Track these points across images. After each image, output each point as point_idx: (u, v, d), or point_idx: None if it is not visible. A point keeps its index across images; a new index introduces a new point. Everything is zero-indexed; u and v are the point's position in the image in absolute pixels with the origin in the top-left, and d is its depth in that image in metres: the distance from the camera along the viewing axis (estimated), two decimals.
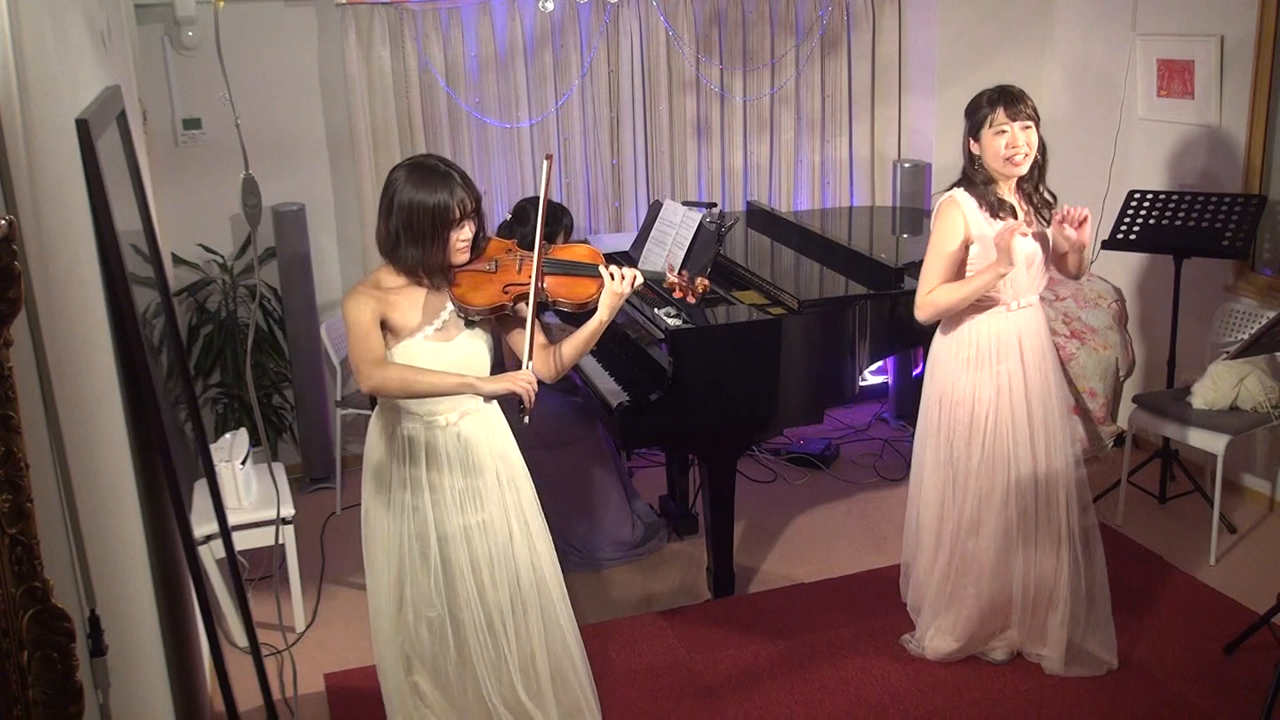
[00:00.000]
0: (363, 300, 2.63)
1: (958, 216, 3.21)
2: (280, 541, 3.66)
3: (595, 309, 2.72)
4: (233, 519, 3.33)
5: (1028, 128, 3.17)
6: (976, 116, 3.21)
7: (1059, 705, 3.31)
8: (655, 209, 4.34)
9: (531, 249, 2.71)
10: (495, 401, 2.80)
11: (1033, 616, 3.43)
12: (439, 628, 2.81)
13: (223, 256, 4.78)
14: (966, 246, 3.23)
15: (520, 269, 2.70)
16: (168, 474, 2.40)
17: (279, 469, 3.91)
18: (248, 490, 3.69)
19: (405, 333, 2.66)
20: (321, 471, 4.94)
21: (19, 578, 1.17)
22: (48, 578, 1.19)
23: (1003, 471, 3.30)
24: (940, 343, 3.38)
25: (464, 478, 2.76)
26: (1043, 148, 3.26)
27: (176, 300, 4.48)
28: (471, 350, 2.72)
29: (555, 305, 2.77)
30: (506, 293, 2.68)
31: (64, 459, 1.55)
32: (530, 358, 2.66)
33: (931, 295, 3.24)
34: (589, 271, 2.73)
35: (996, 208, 3.22)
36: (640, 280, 2.71)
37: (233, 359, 4.72)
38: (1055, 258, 3.35)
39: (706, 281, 2.77)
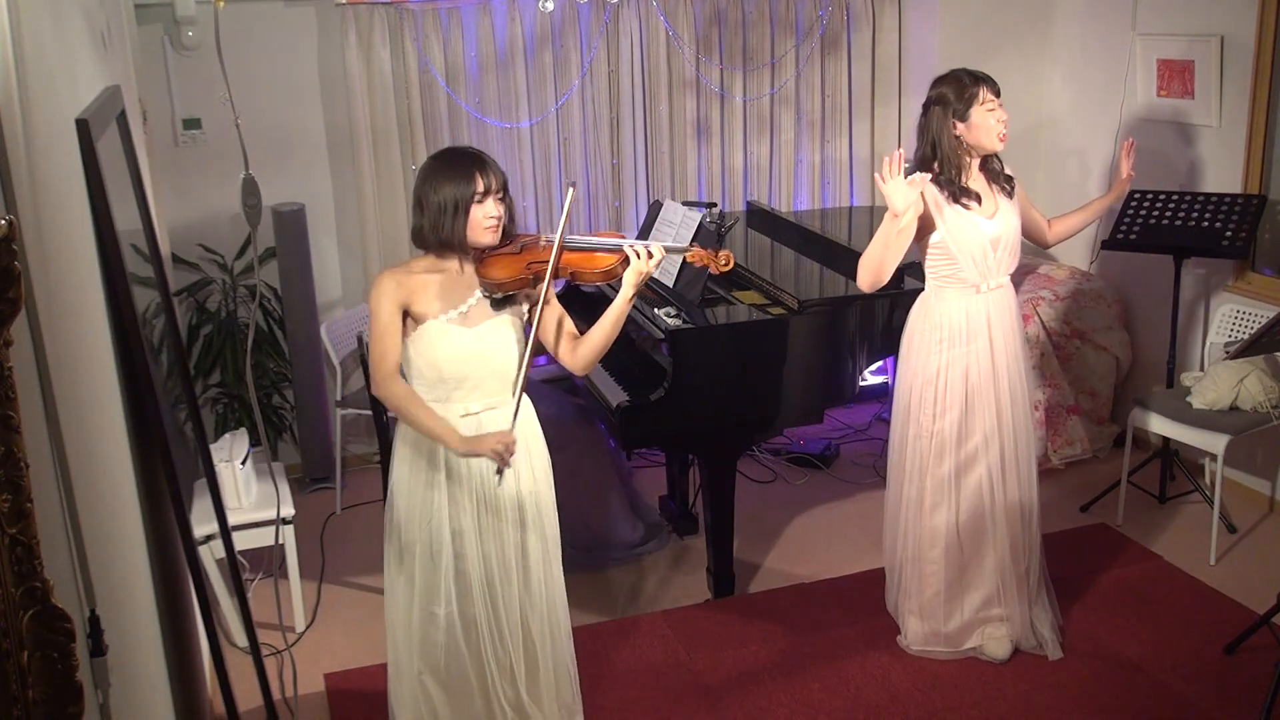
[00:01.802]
0: (387, 287, 2.67)
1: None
2: (280, 541, 3.66)
3: (616, 283, 2.74)
4: (233, 519, 3.33)
5: (1002, 104, 3.27)
6: (962, 97, 3.24)
7: (1059, 705, 3.31)
8: (655, 209, 4.34)
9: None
10: (524, 393, 2.81)
11: (1017, 593, 3.47)
12: (448, 625, 2.81)
13: (223, 256, 4.78)
14: (921, 223, 3.26)
15: (543, 248, 2.75)
16: (168, 474, 2.39)
17: (279, 469, 3.91)
18: (248, 490, 3.69)
19: (428, 315, 2.69)
20: (321, 471, 4.94)
21: (19, 578, 1.16)
22: (48, 578, 1.19)
23: (967, 447, 3.37)
24: (912, 323, 3.44)
25: (480, 472, 2.76)
26: None
27: (176, 300, 4.48)
28: (496, 339, 2.73)
29: (576, 279, 2.80)
30: (529, 269, 2.72)
31: (64, 459, 1.54)
32: (515, 419, 2.69)
33: (861, 259, 3.29)
34: (607, 246, 2.77)
35: (959, 195, 3.27)
36: (662, 256, 2.73)
37: (233, 359, 4.72)
38: (1029, 228, 3.49)
39: (729, 254, 2.78)
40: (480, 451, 2.64)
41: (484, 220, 2.67)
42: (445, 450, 2.74)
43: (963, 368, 3.34)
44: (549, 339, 2.82)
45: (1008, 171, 3.40)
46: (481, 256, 2.73)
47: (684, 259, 2.89)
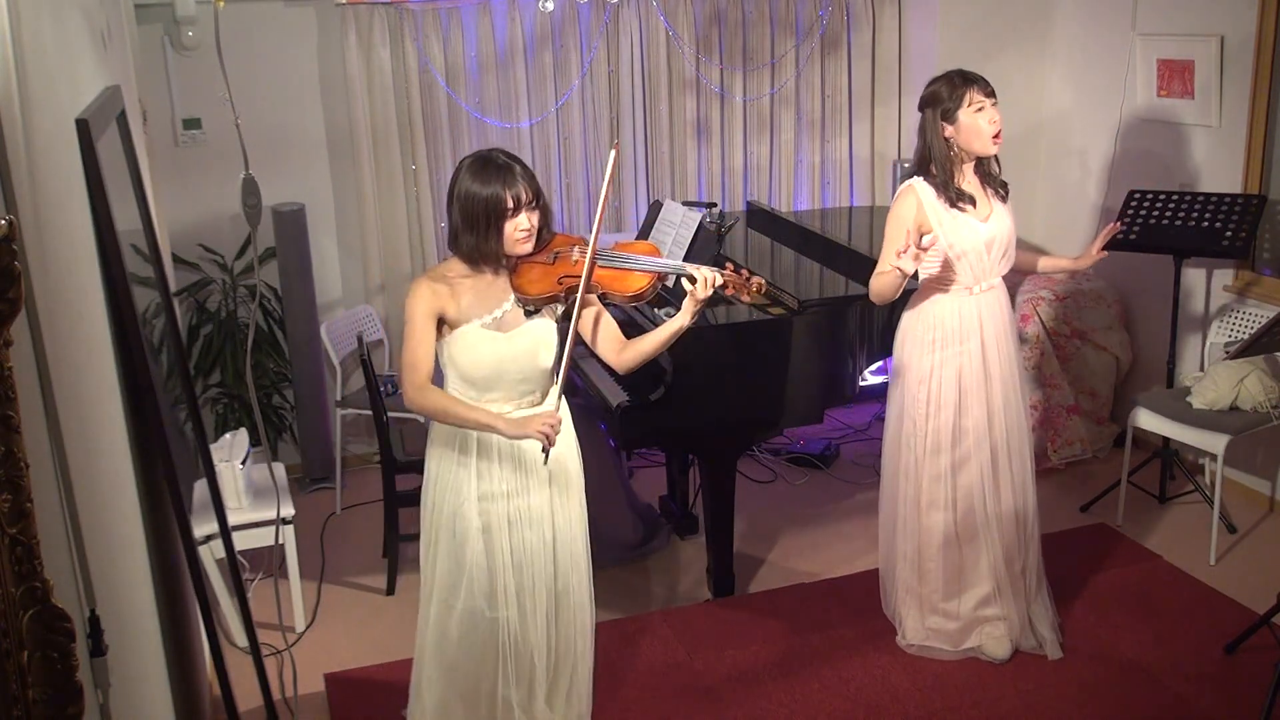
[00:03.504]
0: (422, 294, 2.67)
1: (912, 204, 3.28)
2: (280, 541, 3.66)
3: (645, 303, 2.76)
4: (233, 519, 3.33)
5: (996, 104, 3.24)
6: (950, 99, 3.24)
7: (1059, 705, 3.31)
8: (655, 209, 4.34)
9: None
10: (563, 399, 2.81)
11: (1012, 591, 3.47)
12: (463, 619, 2.81)
13: (223, 256, 4.78)
14: (920, 234, 3.26)
15: (576, 262, 2.73)
16: (168, 474, 2.39)
17: (279, 469, 3.91)
18: (248, 490, 3.68)
19: (462, 320, 2.69)
20: (321, 471, 4.94)
21: (19, 578, 1.16)
22: (48, 578, 1.19)
23: (961, 447, 3.38)
24: (906, 324, 3.46)
25: (513, 472, 2.77)
26: None
27: (176, 300, 4.48)
28: (530, 345, 2.73)
29: (607, 298, 2.78)
30: (561, 284, 2.71)
31: (64, 459, 1.54)
32: (560, 393, 2.68)
33: (871, 280, 3.32)
34: (643, 266, 2.75)
35: (956, 198, 3.27)
36: (719, 281, 2.68)
37: (233, 359, 4.72)
38: (1020, 255, 3.48)
39: (762, 281, 2.74)
40: (528, 432, 2.60)
41: (516, 233, 2.66)
42: (477, 452, 2.75)
43: (956, 368, 3.35)
44: (592, 339, 2.81)
45: (1003, 178, 3.40)
46: (515, 265, 2.73)
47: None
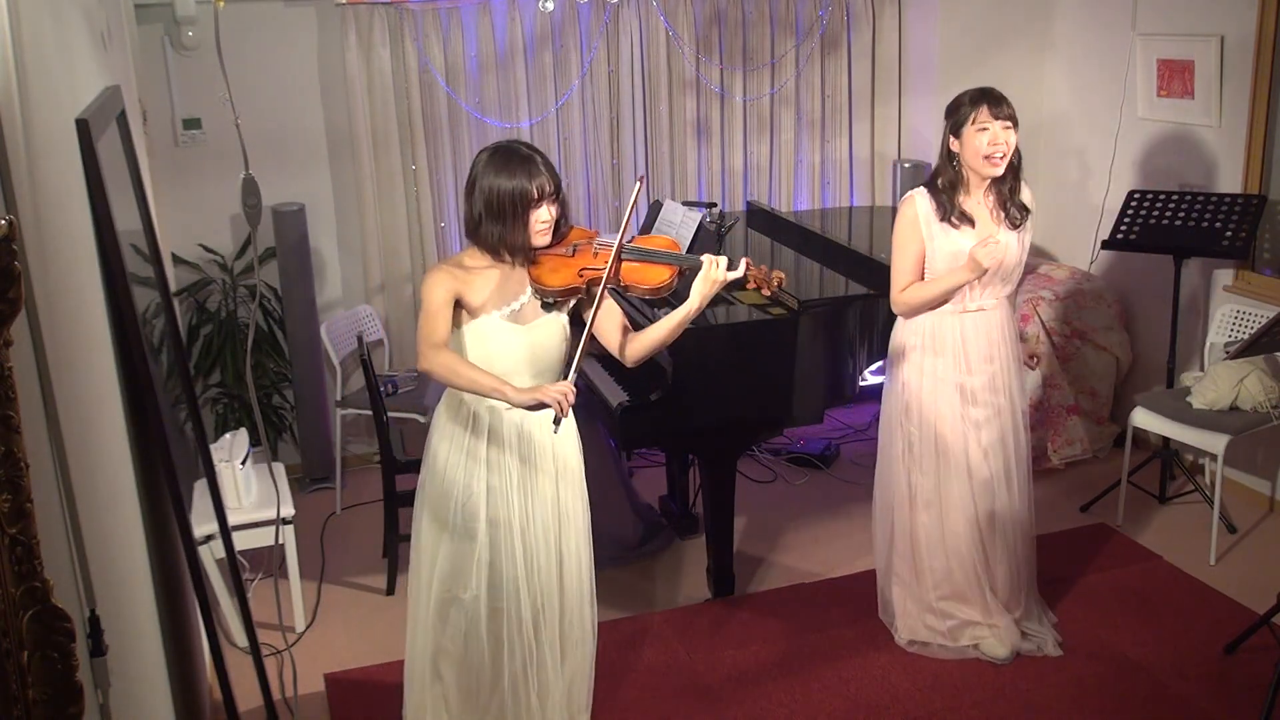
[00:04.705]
0: (440, 279, 2.67)
1: (910, 216, 3.29)
2: (280, 541, 3.66)
3: (668, 296, 2.76)
4: (233, 519, 3.32)
5: (1008, 128, 3.21)
6: (960, 113, 3.24)
7: (1059, 706, 3.31)
8: (655, 209, 4.34)
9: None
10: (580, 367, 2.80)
11: (1009, 591, 3.48)
12: (473, 611, 2.81)
13: (223, 256, 4.78)
14: (922, 244, 3.29)
15: (597, 255, 2.74)
16: (168, 474, 2.39)
17: (279, 469, 3.91)
18: (248, 490, 3.69)
19: (481, 311, 2.69)
20: (321, 471, 4.94)
21: (19, 578, 1.16)
22: (48, 578, 1.19)
23: (953, 449, 3.37)
24: (896, 330, 3.47)
25: (520, 468, 2.77)
26: (1018, 154, 3.27)
27: (176, 300, 4.47)
28: (545, 336, 2.74)
29: (628, 292, 2.77)
30: (581, 276, 2.71)
31: (64, 459, 1.54)
32: (576, 369, 2.65)
33: (904, 294, 3.34)
34: (664, 259, 2.75)
35: (949, 211, 3.25)
36: (738, 273, 2.66)
37: (233, 359, 4.72)
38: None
39: (782, 275, 2.73)
40: (539, 398, 2.56)
41: (536, 225, 2.67)
42: (488, 440, 2.74)
43: (934, 377, 3.35)
44: (601, 331, 2.80)
45: (1026, 200, 3.30)
46: (533, 257, 2.73)
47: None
